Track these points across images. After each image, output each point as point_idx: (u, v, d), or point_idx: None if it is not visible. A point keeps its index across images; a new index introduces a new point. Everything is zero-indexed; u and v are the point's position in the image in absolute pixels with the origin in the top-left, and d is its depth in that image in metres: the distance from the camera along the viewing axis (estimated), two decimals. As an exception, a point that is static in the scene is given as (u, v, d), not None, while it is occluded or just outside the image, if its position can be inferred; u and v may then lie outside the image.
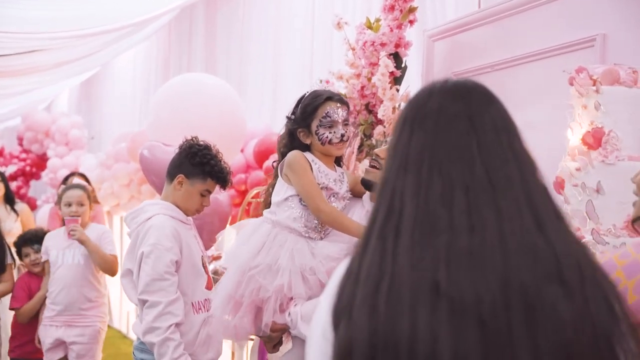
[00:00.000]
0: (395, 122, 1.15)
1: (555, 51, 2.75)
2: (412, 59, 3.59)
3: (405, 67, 3.34)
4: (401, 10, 3.16)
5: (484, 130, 1.06)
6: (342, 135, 2.45)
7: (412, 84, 3.50)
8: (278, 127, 5.13)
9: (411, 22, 3.21)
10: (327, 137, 2.41)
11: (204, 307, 2.85)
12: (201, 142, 2.94)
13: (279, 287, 2.29)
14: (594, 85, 2.17)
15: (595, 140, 2.13)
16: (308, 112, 2.43)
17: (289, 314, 2.33)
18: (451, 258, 0.96)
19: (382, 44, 3.14)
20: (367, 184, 2.48)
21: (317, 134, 2.42)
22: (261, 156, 5.01)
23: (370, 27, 3.19)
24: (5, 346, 4.24)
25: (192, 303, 2.80)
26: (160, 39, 8.42)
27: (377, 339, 0.95)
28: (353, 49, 3.32)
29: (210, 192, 2.92)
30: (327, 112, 2.41)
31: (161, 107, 4.28)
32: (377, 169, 2.48)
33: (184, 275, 2.79)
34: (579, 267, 0.99)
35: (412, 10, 3.17)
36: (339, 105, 2.45)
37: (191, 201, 2.89)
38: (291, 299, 2.33)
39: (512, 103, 2.88)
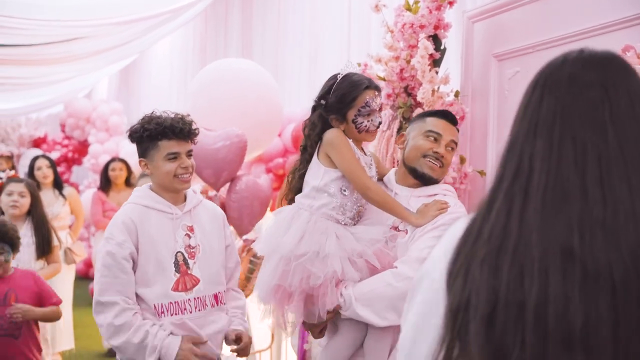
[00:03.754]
0: (526, 88, 1.15)
1: (599, 30, 2.69)
2: (452, 40, 3.55)
3: (445, 49, 3.31)
4: (441, -9, 3.12)
5: (619, 102, 1.05)
6: (380, 123, 2.45)
7: (451, 67, 3.47)
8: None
9: (451, 3, 3.18)
10: (365, 125, 2.41)
11: (170, 310, 2.58)
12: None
13: (332, 274, 2.30)
14: (640, 64, 2.13)
15: None
16: (347, 101, 2.42)
17: (341, 294, 2.35)
18: (585, 226, 0.97)
19: (421, 26, 3.11)
20: (428, 179, 2.50)
21: (354, 122, 2.42)
22: (299, 140, 5.04)
23: (409, 9, 3.16)
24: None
25: (153, 306, 2.56)
26: (197, 26, 8.47)
27: (498, 297, 0.97)
28: (392, 32, 3.29)
29: (175, 153, 2.63)
30: (367, 101, 2.41)
31: (198, 94, 4.33)
32: (441, 167, 2.50)
33: (141, 272, 2.57)
34: None
35: (450, -9, 3.13)
36: (376, 93, 2.45)
37: (163, 175, 2.64)
38: (340, 281, 2.35)
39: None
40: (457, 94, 3.22)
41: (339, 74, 2.51)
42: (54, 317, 3.60)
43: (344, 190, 2.41)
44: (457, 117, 3.06)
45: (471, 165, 3.28)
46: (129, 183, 6.83)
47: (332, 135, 2.42)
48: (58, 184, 5.99)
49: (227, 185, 4.12)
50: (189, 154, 2.70)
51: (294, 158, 5.32)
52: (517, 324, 0.96)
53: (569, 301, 0.94)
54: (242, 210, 4.06)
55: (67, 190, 6.08)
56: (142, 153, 2.68)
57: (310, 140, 2.51)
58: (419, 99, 3.10)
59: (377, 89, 2.47)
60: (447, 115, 2.61)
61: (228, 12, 7.73)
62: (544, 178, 1.03)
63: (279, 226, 2.45)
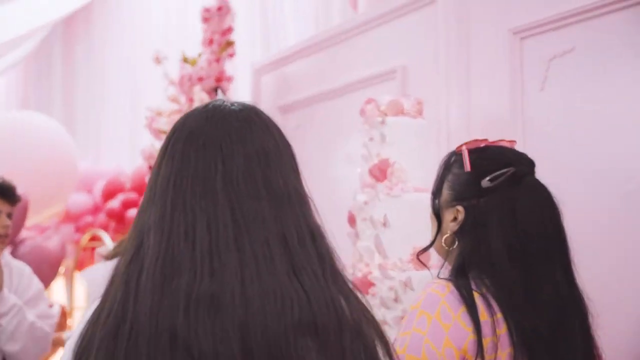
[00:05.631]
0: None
1: (363, 83, 2.72)
2: (243, 94, 3.49)
3: (230, 101, 3.23)
4: (219, 44, 3.06)
5: (235, 161, 0.95)
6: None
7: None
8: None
9: (231, 55, 3.11)
10: None
11: None
12: None
13: None
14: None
15: (381, 172, 2.08)
16: None
17: None
18: (191, 304, 0.86)
19: (200, 79, 3.02)
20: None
21: None
22: (110, 196, 4.78)
23: (186, 61, 3.07)
24: None
25: None
26: (20, 76, 8.02)
27: None
28: (175, 84, 3.18)
29: None
30: None
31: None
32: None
33: None
34: (337, 315, 0.90)
35: (229, 43, 3.08)
36: None
37: None
38: None
39: (333, 135, 2.81)
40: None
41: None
42: None
43: None
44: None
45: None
46: None
47: None
48: None
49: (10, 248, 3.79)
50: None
51: (103, 216, 5.07)
52: None
53: None
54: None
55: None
56: None
57: None
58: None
59: None
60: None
61: (50, 63, 7.37)
62: (156, 252, 0.92)
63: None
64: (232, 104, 1.04)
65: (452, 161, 1.45)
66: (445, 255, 1.43)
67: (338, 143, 2.88)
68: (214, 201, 0.94)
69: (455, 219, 1.39)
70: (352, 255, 2.12)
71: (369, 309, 0.98)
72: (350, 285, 0.99)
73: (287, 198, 0.98)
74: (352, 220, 2.14)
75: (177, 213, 0.93)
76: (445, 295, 1.29)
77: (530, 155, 1.41)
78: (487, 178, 1.35)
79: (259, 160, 0.98)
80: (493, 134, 2.05)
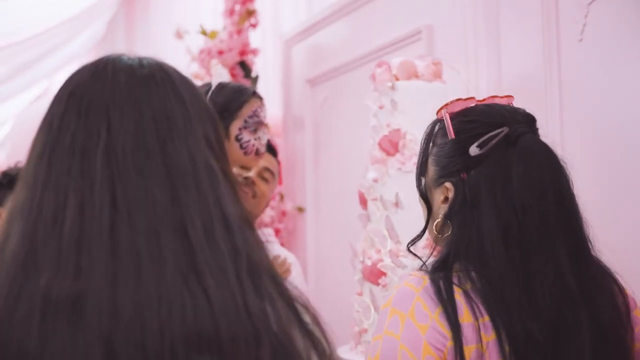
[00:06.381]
0: None
1: (387, 48, 2.44)
2: (274, 67, 3.27)
3: (257, 77, 3.03)
4: (240, 14, 2.85)
5: (124, 128, 0.75)
6: (267, 144, 1.94)
7: (273, 95, 3.19)
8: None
9: (253, 25, 2.90)
10: (253, 144, 1.82)
11: None
12: None
13: None
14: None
15: (391, 144, 1.82)
16: (231, 110, 1.82)
17: None
18: (48, 311, 0.69)
19: (220, 52, 2.82)
20: None
21: (238, 139, 1.81)
22: None
23: (204, 34, 2.88)
24: None
25: None
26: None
27: None
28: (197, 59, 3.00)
29: None
30: (255, 110, 1.84)
31: None
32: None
33: None
34: (254, 325, 0.71)
35: (250, 13, 2.86)
36: (263, 105, 1.89)
37: None
38: None
39: (360, 107, 2.56)
40: (264, 125, 2.93)
41: (211, 83, 1.91)
42: None
43: None
44: (269, 149, 2.79)
45: (290, 202, 2.98)
46: None
47: None
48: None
49: None
50: None
51: None
52: None
53: None
54: None
55: None
56: None
57: None
58: (219, 131, 2.79)
59: (262, 100, 1.90)
60: None
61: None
62: (18, 243, 0.73)
63: None
64: (131, 58, 0.82)
65: (436, 130, 1.18)
66: (438, 243, 1.17)
67: (364, 116, 2.62)
68: (91, 179, 0.73)
69: (446, 199, 1.13)
70: (363, 240, 1.87)
71: (313, 320, 0.76)
72: (286, 290, 0.77)
73: (193, 176, 0.76)
74: (363, 201, 1.89)
75: (47, 195, 0.74)
76: (420, 291, 1.04)
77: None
78: (475, 144, 1.08)
79: (157, 127, 0.77)
80: (527, 96, 1.75)
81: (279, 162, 2.31)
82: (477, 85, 2.05)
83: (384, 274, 1.77)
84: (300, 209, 2.94)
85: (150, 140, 0.76)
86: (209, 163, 0.79)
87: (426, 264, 1.10)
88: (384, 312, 1.07)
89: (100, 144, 0.75)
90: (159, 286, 0.70)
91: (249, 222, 0.79)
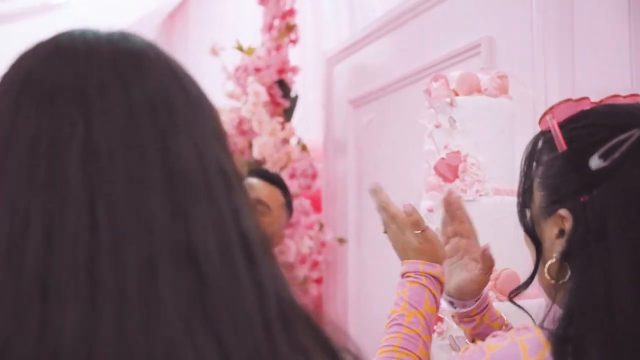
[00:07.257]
0: None
1: (440, 64, 2.22)
2: (315, 87, 3.08)
3: (296, 96, 2.83)
4: (279, 30, 2.67)
5: (108, 118, 0.53)
6: None
7: (313, 117, 2.99)
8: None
9: (293, 41, 2.71)
10: None
11: None
12: None
13: None
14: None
15: (450, 169, 1.58)
16: None
17: None
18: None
19: (257, 69, 2.63)
20: None
21: None
22: None
23: (240, 49, 2.70)
24: None
25: None
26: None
27: None
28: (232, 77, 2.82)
29: None
30: None
31: None
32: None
33: None
34: None
35: (290, 28, 2.67)
36: None
37: None
38: None
39: (410, 129, 2.33)
40: (304, 148, 2.72)
41: None
42: None
43: None
44: (308, 175, 2.59)
45: (330, 232, 2.76)
46: None
47: None
48: None
49: None
50: None
51: None
52: None
53: None
54: None
55: None
56: None
57: None
58: (254, 154, 2.60)
59: None
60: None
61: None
62: None
63: None
64: (102, 30, 0.60)
65: (539, 146, 0.92)
66: (554, 293, 0.88)
67: (415, 139, 2.39)
68: (62, 192, 0.52)
69: (561, 232, 0.86)
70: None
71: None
72: (327, 339, 0.56)
73: (204, 182, 0.54)
74: (416, 233, 1.65)
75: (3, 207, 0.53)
76: None
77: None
78: (597, 154, 0.82)
79: (155, 115, 0.55)
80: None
81: (289, 193, 2.16)
82: (546, 102, 1.81)
83: (441, 319, 1.52)
84: (342, 240, 2.71)
85: (145, 135, 0.53)
86: (222, 164, 0.56)
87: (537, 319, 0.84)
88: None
89: (75, 141, 0.52)
90: (153, 341, 0.48)
91: (269, 247, 0.57)
